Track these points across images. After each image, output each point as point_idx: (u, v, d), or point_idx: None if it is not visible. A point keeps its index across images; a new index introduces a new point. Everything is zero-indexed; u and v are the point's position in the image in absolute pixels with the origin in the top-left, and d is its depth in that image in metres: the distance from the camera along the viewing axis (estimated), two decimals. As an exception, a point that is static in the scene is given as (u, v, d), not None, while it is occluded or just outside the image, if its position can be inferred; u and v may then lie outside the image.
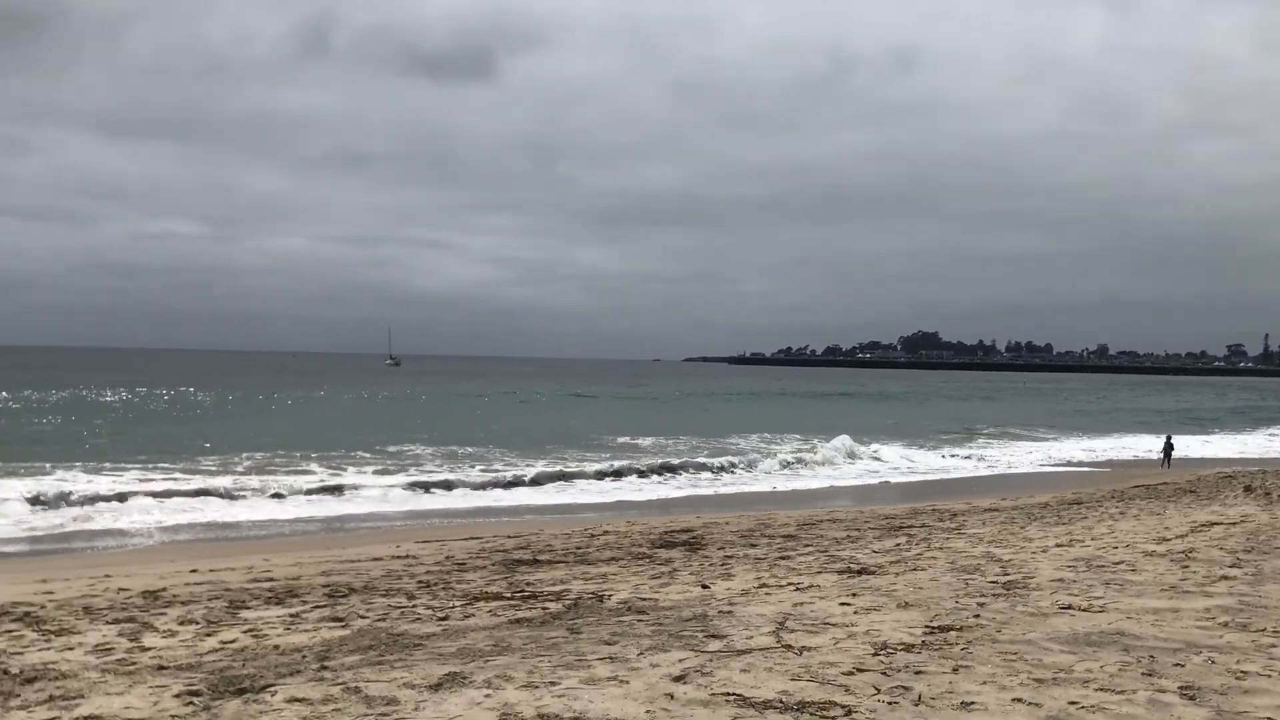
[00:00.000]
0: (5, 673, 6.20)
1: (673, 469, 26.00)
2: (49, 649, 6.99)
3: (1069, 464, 32.53)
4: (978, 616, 7.48)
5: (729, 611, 7.88)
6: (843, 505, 19.49)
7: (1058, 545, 11.55)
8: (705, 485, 24.27)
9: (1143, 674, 5.91)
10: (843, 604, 8.07)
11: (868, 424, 45.80)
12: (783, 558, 11.06)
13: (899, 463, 30.52)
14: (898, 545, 11.97)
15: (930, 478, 27.49)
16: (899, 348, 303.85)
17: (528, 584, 9.61)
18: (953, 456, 32.94)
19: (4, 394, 51.82)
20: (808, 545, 12.18)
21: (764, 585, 9.12)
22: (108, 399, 52.67)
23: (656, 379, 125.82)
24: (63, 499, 17.71)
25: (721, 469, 26.72)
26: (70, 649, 6.99)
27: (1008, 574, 9.39)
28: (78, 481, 19.57)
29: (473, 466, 25.09)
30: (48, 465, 22.09)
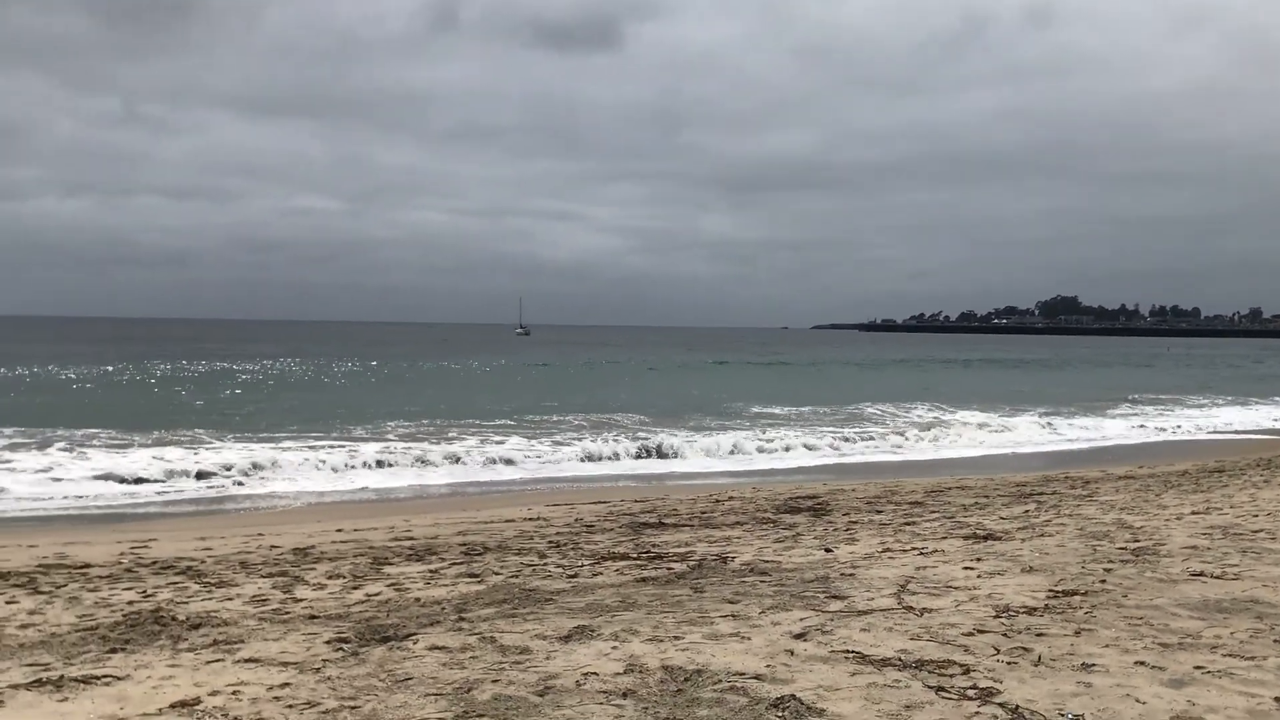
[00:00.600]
0: (173, 619, 6.74)
1: (799, 436, 25.99)
2: (211, 599, 7.54)
3: (1215, 431, 31.29)
4: (1104, 582, 7.43)
5: (851, 574, 7.99)
6: (973, 473, 19.23)
7: (1194, 513, 11.26)
8: (834, 453, 24.20)
9: (1275, 641, 5.82)
10: (966, 568, 8.09)
11: (1003, 391, 44.82)
12: (908, 523, 11.08)
13: (1033, 430, 29.84)
14: (1026, 512, 11.84)
15: (1066, 446, 26.83)
16: (1036, 313, 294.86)
17: (653, 545, 9.87)
18: (1091, 424, 32.01)
19: (165, 366, 54.73)
20: (934, 512, 12.15)
21: (887, 550, 9.19)
22: (254, 370, 55.05)
23: (786, 347, 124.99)
24: (222, 466, 18.72)
25: (850, 437, 26.58)
26: (230, 599, 7.53)
27: (1138, 540, 9.24)
28: (232, 450, 20.65)
29: (603, 434, 25.51)
30: (203, 433, 23.36)
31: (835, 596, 7.14)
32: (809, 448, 24.54)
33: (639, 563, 8.87)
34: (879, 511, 12.27)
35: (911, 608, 6.73)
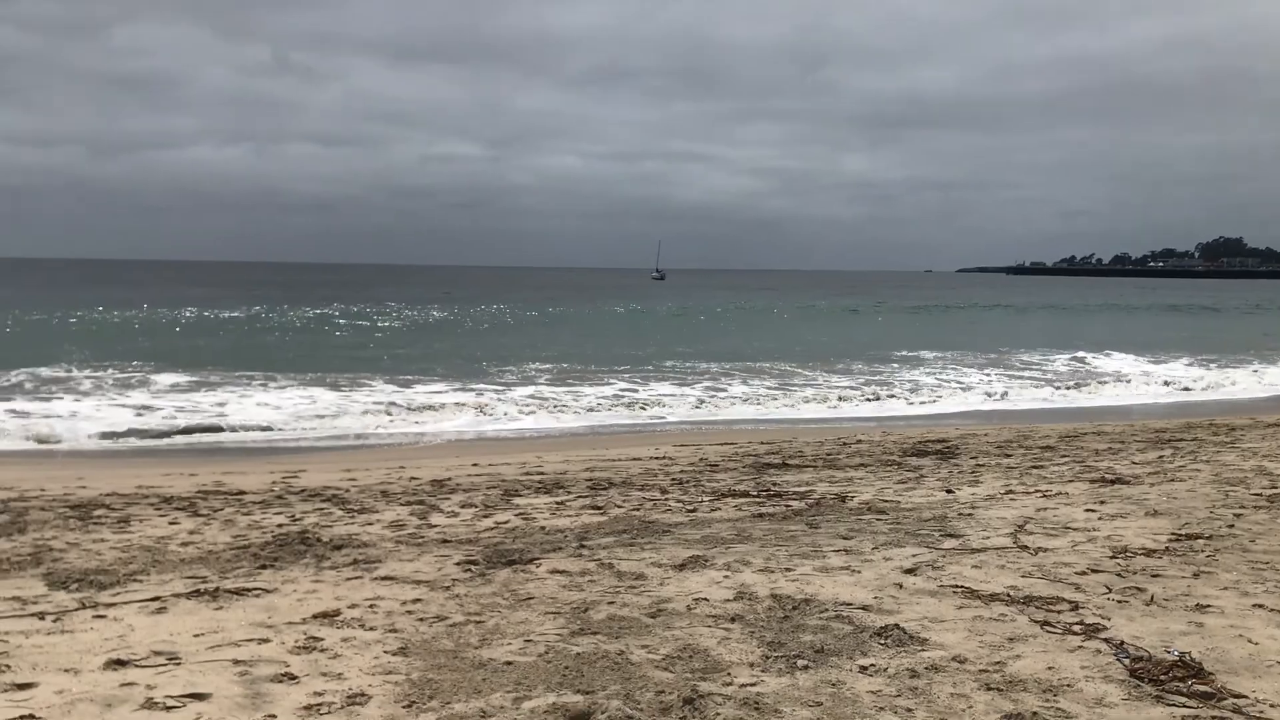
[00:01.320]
0: (318, 540, 7.24)
1: (940, 381, 25.61)
2: (353, 524, 8.04)
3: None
4: (1231, 527, 7.28)
5: (969, 514, 8.01)
6: (1113, 420, 18.71)
7: (1345, 462, 10.81)
8: (973, 400, 23.78)
9: (1405, 588, 5.66)
10: (1088, 510, 8.02)
11: (1157, 337, 43.06)
12: (1035, 467, 10.95)
13: (1184, 377, 28.69)
14: (1160, 458, 11.55)
15: (1218, 395, 25.75)
16: (1197, 255, 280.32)
17: (774, 484, 10.03)
18: (1250, 372, 30.56)
19: (313, 311, 56.98)
20: (1065, 456, 11.96)
21: (1010, 492, 9.14)
22: (399, 314, 56.80)
23: (930, 290, 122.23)
24: (371, 405, 19.60)
25: (991, 382, 26.06)
26: (370, 524, 8.02)
27: (1275, 487, 8.96)
28: (380, 390, 21.58)
29: (740, 378, 25.63)
30: (351, 376, 24.39)
31: (950, 535, 7.19)
32: (948, 393, 24.18)
33: (757, 500, 9.05)
34: (1008, 455, 12.14)
35: (1026, 547, 6.74)
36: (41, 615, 5.36)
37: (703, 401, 21.81)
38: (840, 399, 22.86)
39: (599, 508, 8.69)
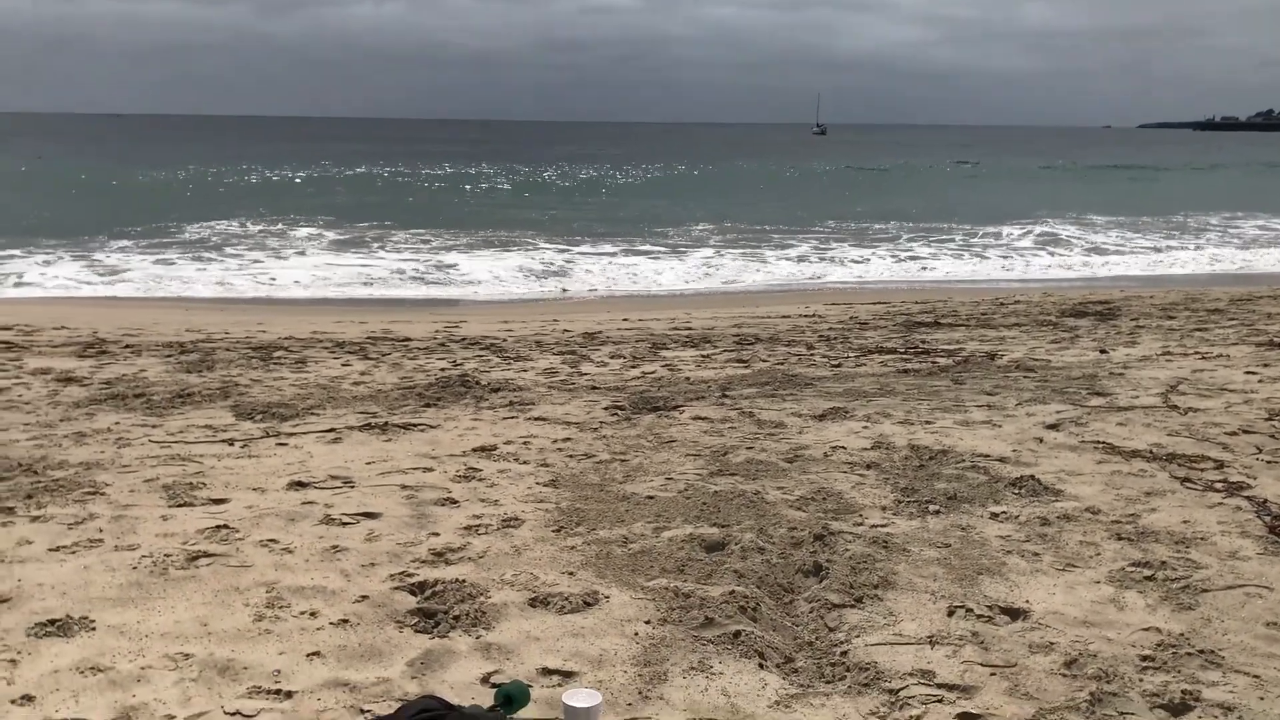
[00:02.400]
0: (477, 383, 7.66)
1: (1112, 245, 24.59)
2: (509, 370, 8.45)
3: None
4: (1404, 393, 6.98)
5: (1120, 374, 7.87)
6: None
7: None
8: (1142, 264, 22.77)
9: None
10: (1248, 373, 7.78)
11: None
12: (1199, 329, 10.58)
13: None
14: (1340, 323, 10.98)
15: None
16: None
17: (923, 342, 10.01)
18: None
19: (474, 168, 57.98)
20: (1233, 319, 11.48)
21: (1167, 353, 8.91)
22: (559, 173, 57.29)
23: (1108, 148, 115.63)
24: (534, 263, 20.15)
25: (1161, 247, 24.87)
26: (525, 371, 8.42)
27: None
28: (542, 250, 22.11)
29: (904, 237, 25.17)
30: (514, 234, 24.95)
31: (1098, 393, 7.12)
32: (1115, 256, 23.23)
33: (904, 357, 9.07)
34: (1170, 318, 11.74)
35: (1176, 407, 6.64)
36: (231, 441, 5.92)
37: (867, 260, 21.49)
38: (1004, 259, 22.22)
39: (744, 361, 8.87)
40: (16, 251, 19.37)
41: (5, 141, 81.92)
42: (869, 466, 5.42)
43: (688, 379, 7.99)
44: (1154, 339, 9.94)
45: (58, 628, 3.52)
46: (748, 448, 5.77)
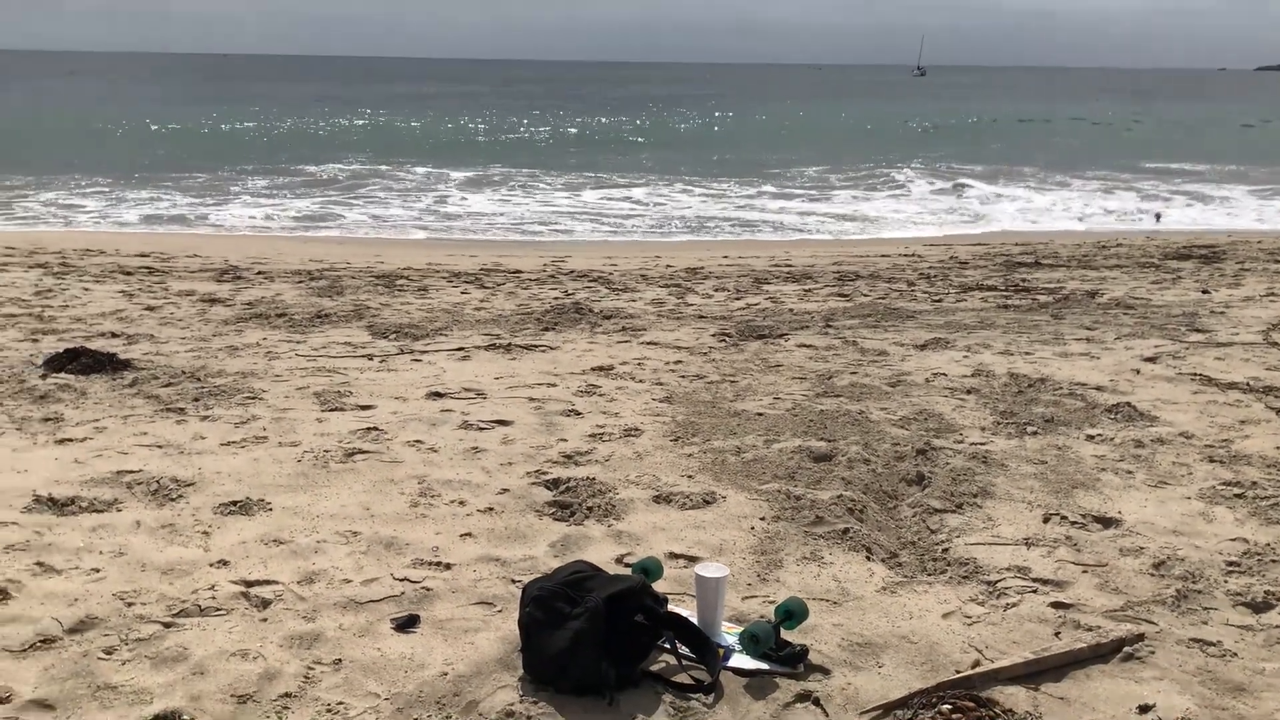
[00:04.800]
0: (590, 310, 8.05)
1: (1211, 195, 23.92)
2: (618, 300, 8.82)
3: None
4: None
5: (1221, 312, 7.94)
6: None
7: None
8: (1249, 211, 22.15)
9: None
10: (1355, 315, 7.78)
11: None
12: (1308, 274, 10.49)
13: None
14: None
15: None
16: None
17: (1023, 280, 10.11)
18: None
19: (575, 119, 58.04)
20: (1346, 265, 11.32)
21: (1272, 294, 8.90)
22: (659, 115, 57.19)
23: (1222, 92, 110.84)
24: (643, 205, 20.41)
25: (1268, 197, 24.11)
26: (633, 301, 8.77)
27: None
28: (639, 192, 22.34)
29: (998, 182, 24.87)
30: (624, 174, 25.22)
31: (1198, 330, 7.22)
32: (1219, 205, 22.62)
33: (1004, 294, 9.21)
34: (1277, 261, 11.61)
35: (1276, 344, 6.72)
36: (370, 357, 6.40)
37: (953, 210, 21.34)
38: (1105, 211, 21.80)
39: (845, 295, 9.11)
40: (140, 190, 20.32)
41: (119, 77, 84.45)
42: (969, 392, 5.67)
43: (791, 310, 8.27)
44: (1259, 281, 9.89)
45: (239, 508, 4.00)
46: (851, 373, 6.06)
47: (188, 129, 36.63)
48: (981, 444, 4.80)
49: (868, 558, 3.66)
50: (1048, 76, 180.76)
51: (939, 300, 8.83)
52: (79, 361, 5.81)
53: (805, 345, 6.80)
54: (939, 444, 4.76)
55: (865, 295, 9.12)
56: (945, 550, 3.72)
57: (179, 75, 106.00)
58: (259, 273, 10.03)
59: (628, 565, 3.51)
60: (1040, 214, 19.89)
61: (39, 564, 3.43)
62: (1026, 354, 6.52)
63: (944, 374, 6.04)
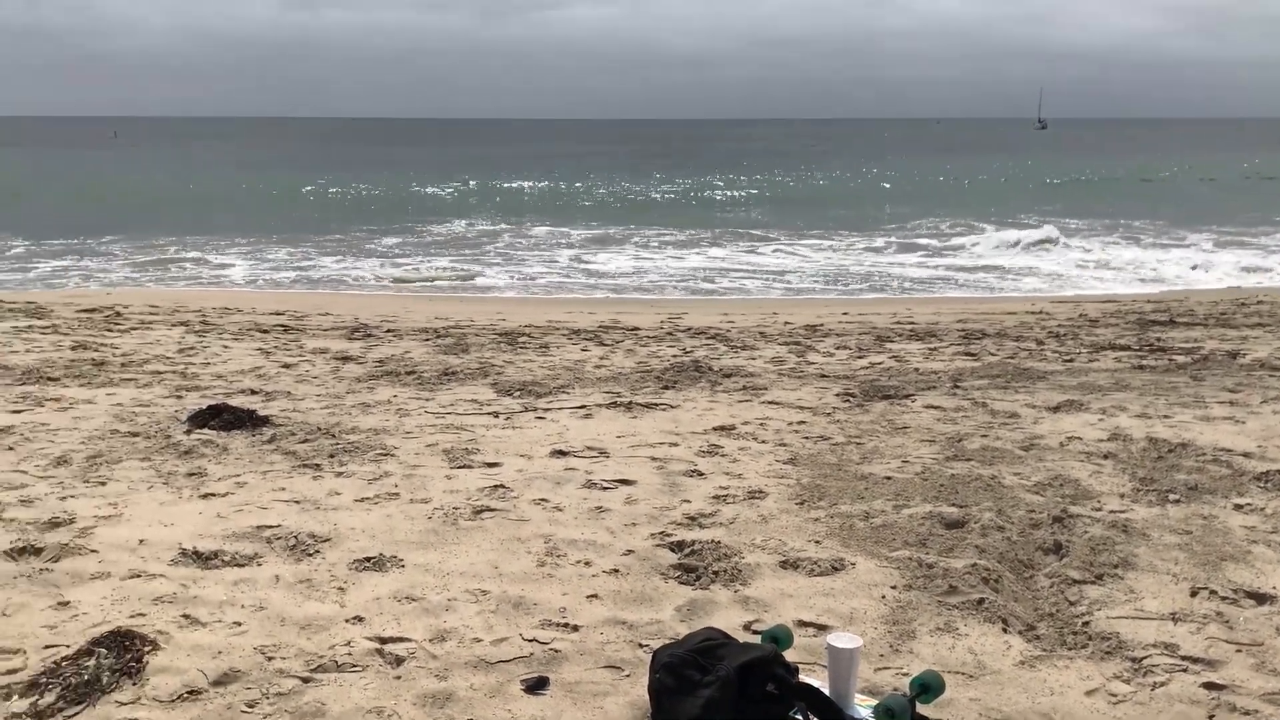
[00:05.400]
0: (710, 369, 8.06)
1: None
2: (738, 358, 8.81)
3: None
4: None
5: (1379, 375, 7.53)
6: None
7: None
8: None
9: None
10: None
11: None
12: None
13: None
14: None
15: None
16: None
17: (1158, 340, 9.77)
18: None
19: (684, 181, 58.68)
20: None
21: None
22: (774, 170, 57.37)
23: None
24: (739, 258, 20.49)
25: None
26: (753, 359, 8.76)
27: None
28: (731, 249, 22.42)
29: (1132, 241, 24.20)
30: (736, 229, 25.39)
31: (1353, 394, 6.86)
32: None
33: (1139, 354, 8.91)
34: None
35: None
36: (495, 414, 6.51)
37: (1077, 265, 20.78)
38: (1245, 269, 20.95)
39: (972, 354, 8.93)
40: (282, 247, 21.21)
41: (254, 142, 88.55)
42: (1106, 456, 5.48)
43: (916, 370, 8.14)
44: None
45: (373, 564, 4.08)
46: (982, 435, 5.92)
47: (319, 191, 38.10)
48: (1121, 512, 4.62)
49: (1004, 629, 3.54)
50: (1173, 129, 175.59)
51: (1070, 360, 8.58)
52: (221, 418, 6.04)
53: (933, 406, 6.68)
54: (1076, 511, 4.60)
55: (993, 354, 8.93)
56: (1086, 623, 3.58)
57: (313, 139, 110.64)
58: (388, 330, 10.32)
59: (756, 633, 3.47)
60: (1172, 271, 19.27)
61: (185, 616, 3.55)
62: (1165, 417, 6.28)
63: (1078, 437, 5.86)
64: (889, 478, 5.14)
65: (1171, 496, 4.82)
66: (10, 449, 5.60)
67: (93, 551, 4.10)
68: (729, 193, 39.97)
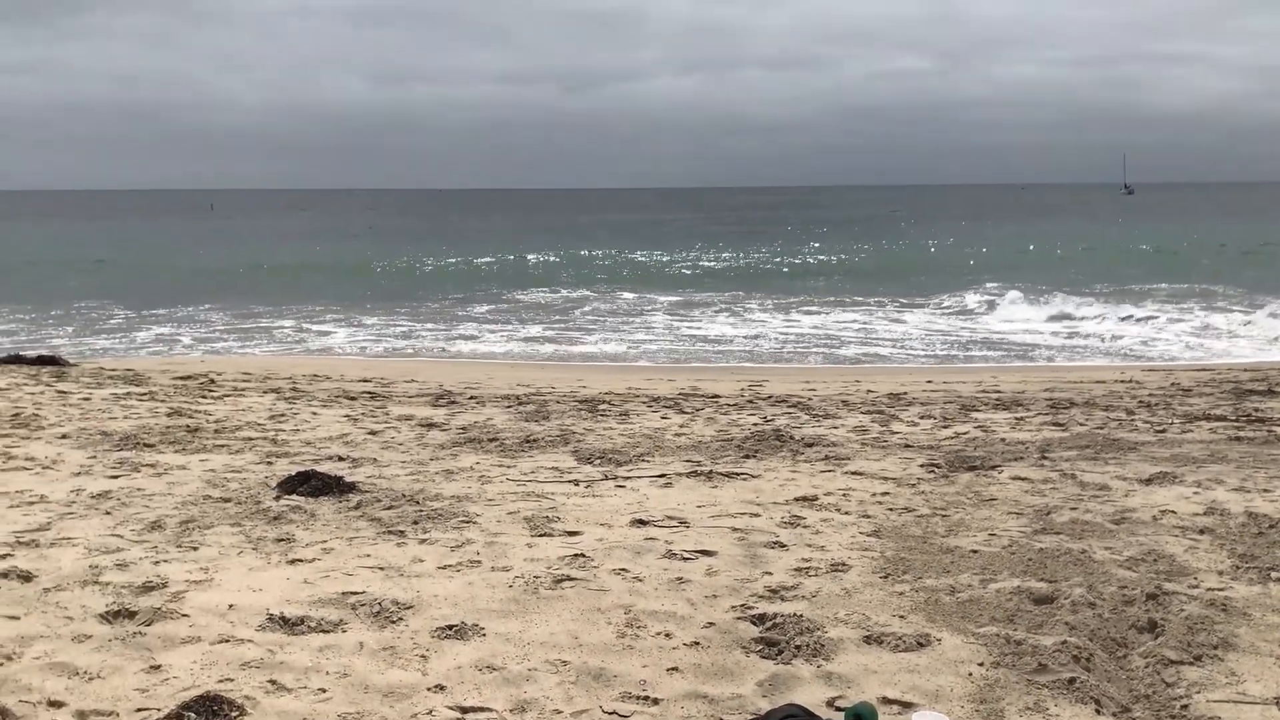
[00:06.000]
0: (791, 438, 8.01)
1: None
2: (820, 427, 8.75)
3: None
4: None
5: None
6: None
7: None
8: None
9: None
10: None
11: None
12: None
13: None
14: None
15: None
16: None
17: (1255, 410, 9.47)
18: None
19: (762, 249, 58.83)
20: None
21: None
22: (859, 235, 57.27)
23: None
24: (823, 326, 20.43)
25: None
26: (835, 428, 8.68)
27: None
28: (819, 314, 22.34)
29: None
30: (826, 297, 25.34)
31: None
32: None
33: (1235, 425, 8.64)
34: None
35: None
36: (576, 482, 6.54)
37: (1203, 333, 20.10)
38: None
39: (1060, 424, 8.75)
40: (367, 316, 21.72)
41: (346, 213, 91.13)
42: (1202, 531, 5.31)
43: (1003, 440, 8.00)
44: None
45: (455, 632, 4.10)
46: (1071, 508, 5.77)
47: (411, 261, 38.98)
48: (1219, 590, 4.46)
49: (1097, 711, 3.43)
50: (1262, 193, 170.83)
51: (1162, 430, 8.36)
52: (309, 484, 6.17)
53: (1020, 478, 6.54)
54: (1171, 588, 4.45)
55: (1082, 424, 8.73)
56: (1184, 706, 3.46)
57: (403, 210, 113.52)
58: (471, 397, 10.47)
59: (840, 709, 3.41)
60: (1270, 339, 18.72)
61: (272, 682, 3.61)
62: (1265, 491, 6.07)
63: (1173, 511, 5.68)
64: (975, 551, 5.03)
65: (1274, 574, 4.64)
66: (108, 513, 5.78)
67: (184, 616, 4.19)
68: (812, 259, 39.94)
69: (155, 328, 21.16)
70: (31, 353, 14.27)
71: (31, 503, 6.00)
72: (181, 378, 11.91)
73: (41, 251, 45.59)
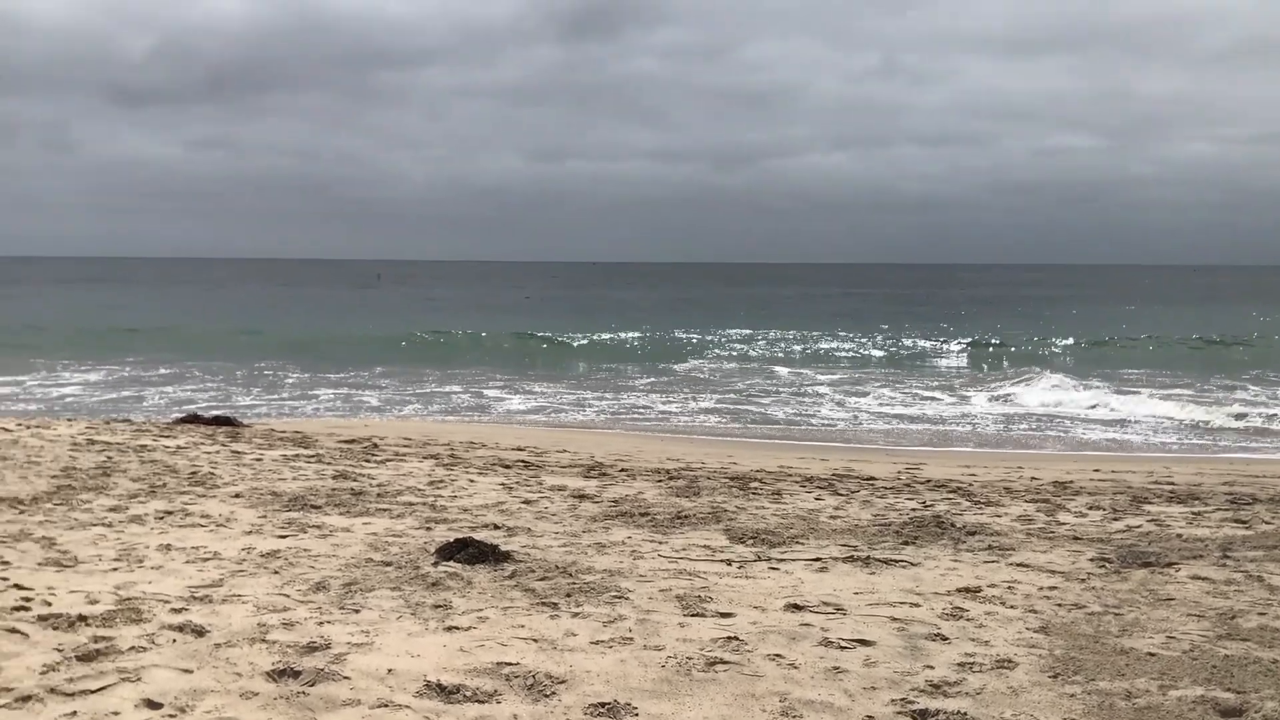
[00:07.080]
0: (952, 525, 7.73)
1: None
2: (981, 514, 8.43)
3: None
4: None
5: None
6: None
7: None
8: None
9: None
10: None
11: None
12: None
13: None
14: None
15: None
16: None
17: None
18: None
19: (932, 333, 57.72)
20: None
21: None
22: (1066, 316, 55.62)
23: None
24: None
25: None
26: (998, 516, 8.35)
27: None
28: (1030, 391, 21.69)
29: None
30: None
31: None
32: None
33: None
34: None
35: None
36: (728, 562, 6.46)
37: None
38: None
39: (1243, 521, 8.22)
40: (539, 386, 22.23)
41: (502, 286, 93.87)
42: None
43: (1179, 535, 7.56)
44: None
45: (607, 710, 4.07)
46: (1259, 613, 5.39)
47: (569, 333, 39.73)
48: None
49: (1298, 842, 3.15)
50: None
51: (1360, 532, 7.76)
52: (466, 551, 6.27)
53: (1199, 577, 6.15)
54: (1378, 709, 4.09)
55: (1267, 522, 8.19)
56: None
57: (556, 281, 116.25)
58: (622, 470, 10.51)
59: (1008, 818, 3.23)
60: None
61: (428, 750, 3.64)
62: None
63: (1376, 622, 5.24)
64: (1153, 654, 4.74)
65: None
66: (276, 572, 5.98)
67: (345, 678, 4.28)
68: (965, 339, 38.96)
69: (328, 390, 22.13)
70: (209, 413, 15.05)
71: (206, 559, 6.27)
72: (346, 441, 12.34)
73: (225, 320, 48.13)
